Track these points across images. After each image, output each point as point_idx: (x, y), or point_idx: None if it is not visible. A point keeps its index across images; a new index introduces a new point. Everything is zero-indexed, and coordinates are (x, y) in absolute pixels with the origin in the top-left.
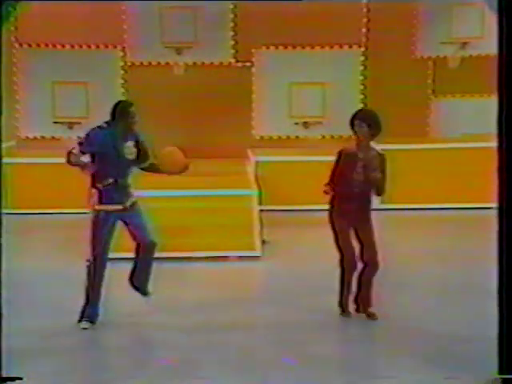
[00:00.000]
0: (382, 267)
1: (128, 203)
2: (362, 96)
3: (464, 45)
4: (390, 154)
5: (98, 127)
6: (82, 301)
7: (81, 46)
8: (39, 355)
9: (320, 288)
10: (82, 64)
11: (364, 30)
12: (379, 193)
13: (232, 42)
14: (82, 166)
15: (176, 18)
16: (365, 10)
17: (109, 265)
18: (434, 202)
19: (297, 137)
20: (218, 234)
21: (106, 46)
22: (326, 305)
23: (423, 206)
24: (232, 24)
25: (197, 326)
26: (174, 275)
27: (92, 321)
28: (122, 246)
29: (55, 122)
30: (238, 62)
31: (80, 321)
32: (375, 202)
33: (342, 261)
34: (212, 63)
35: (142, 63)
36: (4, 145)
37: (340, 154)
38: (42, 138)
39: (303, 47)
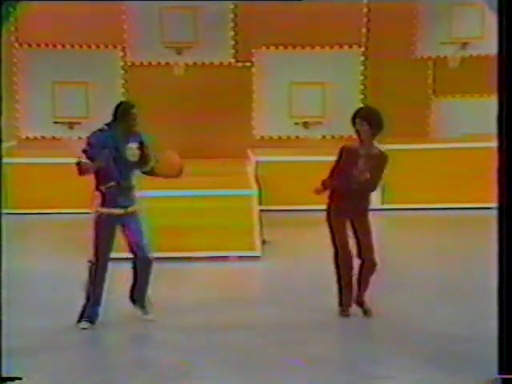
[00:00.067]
0: (382, 267)
1: (130, 209)
2: (361, 96)
3: (464, 45)
4: (390, 153)
5: (99, 130)
6: (82, 301)
7: (81, 46)
8: (39, 355)
9: (320, 288)
10: (82, 64)
11: (364, 30)
12: (369, 191)
13: (232, 42)
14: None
15: (176, 18)
16: (365, 9)
17: (109, 265)
18: (435, 202)
19: (297, 137)
20: (218, 234)
21: (106, 46)
22: (325, 305)
23: (423, 206)
24: (232, 24)
25: (197, 325)
26: (174, 275)
27: (92, 321)
28: (122, 246)
29: (55, 122)
30: (238, 61)
31: (79, 321)
32: (375, 202)
33: (336, 258)
34: (212, 63)
35: (142, 63)
36: (4, 145)
37: (342, 151)
38: (43, 138)
39: (303, 47)
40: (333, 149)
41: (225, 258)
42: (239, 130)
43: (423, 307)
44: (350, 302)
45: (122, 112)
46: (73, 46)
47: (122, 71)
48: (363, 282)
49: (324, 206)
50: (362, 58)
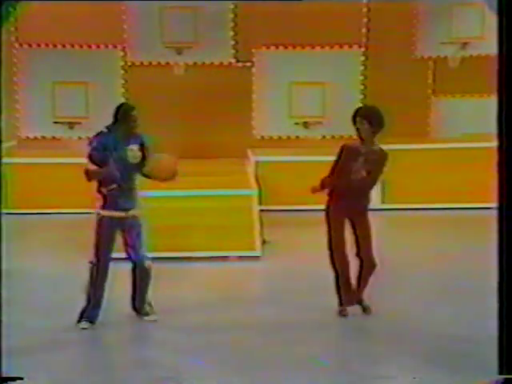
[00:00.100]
0: (382, 267)
1: (131, 212)
2: (361, 96)
3: (464, 45)
4: (390, 153)
5: (100, 133)
6: (82, 301)
7: (81, 46)
8: (39, 355)
9: (320, 288)
10: (82, 64)
11: (364, 30)
12: (368, 188)
13: (232, 42)
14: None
15: (176, 18)
16: (365, 9)
17: (110, 265)
18: (435, 202)
19: (297, 137)
20: (218, 234)
21: (106, 46)
22: (325, 304)
23: (423, 206)
24: (232, 24)
25: (197, 325)
26: (174, 275)
27: (91, 321)
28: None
29: (55, 122)
30: (238, 61)
31: (79, 321)
32: (375, 201)
33: (332, 257)
34: (212, 63)
35: (142, 63)
36: (4, 145)
37: (342, 149)
38: (43, 137)
39: (303, 47)
40: (333, 149)
41: (225, 257)
42: (239, 130)
43: (423, 307)
44: (348, 301)
45: (123, 114)
46: (73, 46)
47: (122, 71)
48: (362, 281)
49: (324, 206)
50: (362, 58)
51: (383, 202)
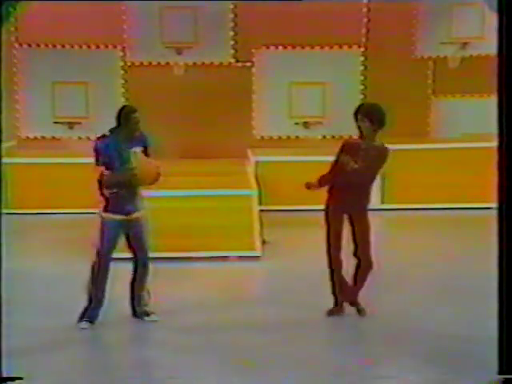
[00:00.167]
0: (382, 267)
1: (133, 215)
2: (361, 96)
3: (464, 45)
4: (390, 154)
5: (102, 136)
6: (82, 301)
7: (81, 46)
8: (39, 355)
9: (320, 288)
10: (82, 64)
11: (364, 30)
12: (367, 184)
13: (232, 42)
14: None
15: (176, 18)
16: (365, 9)
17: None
18: (435, 202)
19: (297, 137)
20: (218, 234)
21: (106, 46)
22: (325, 305)
23: (423, 206)
24: (232, 24)
25: (197, 325)
26: (174, 275)
27: (91, 321)
28: (122, 246)
29: (55, 122)
30: (238, 62)
31: (80, 321)
32: (375, 201)
33: (329, 256)
34: (212, 63)
35: (142, 63)
36: (4, 145)
37: (343, 145)
38: (43, 137)
39: (303, 47)
40: (333, 149)
41: (225, 257)
42: (239, 130)
43: (423, 307)
44: (341, 300)
45: (125, 116)
46: (73, 46)
47: (122, 71)
48: (358, 282)
49: (323, 206)
50: (362, 58)
51: (383, 202)
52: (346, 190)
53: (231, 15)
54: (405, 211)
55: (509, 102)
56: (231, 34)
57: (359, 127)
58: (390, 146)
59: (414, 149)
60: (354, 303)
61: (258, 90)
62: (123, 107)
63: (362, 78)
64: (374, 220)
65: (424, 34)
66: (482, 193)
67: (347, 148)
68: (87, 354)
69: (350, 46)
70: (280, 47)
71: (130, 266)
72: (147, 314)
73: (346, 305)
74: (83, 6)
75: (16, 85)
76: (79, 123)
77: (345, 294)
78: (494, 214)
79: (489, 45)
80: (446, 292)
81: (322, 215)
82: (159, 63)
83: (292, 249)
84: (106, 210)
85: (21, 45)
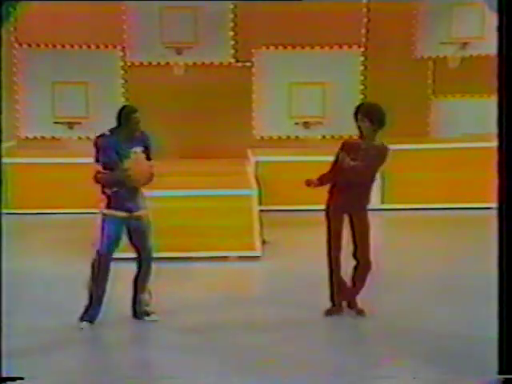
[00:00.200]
0: (382, 267)
1: (135, 213)
2: (361, 96)
3: (464, 45)
4: (390, 154)
5: (102, 135)
6: (82, 301)
7: (81, 46)
8: (39, 355)
9: (320, 288)
10: (82, 64)
11: (364, 30)
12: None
13: (232, 42)
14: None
15: (176, 18)
16: (365, 10)
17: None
18: (434, 202)
19: (297, 137)
20: (218, 234)
21: (106, 46)
22: (325, 305)
23: (423, 206)
24: (232, 24)
25: (197, 325)
26: (174, 275)
27: (91, 321)
28: (122, 246)
29: (55, 122)
30: (237, 62)
31: (81, 320)
32: (375, 201)
33: (329, 255)
34: (212, 63)
35: (141, 63)
36: (4, 145)
37: (343, 145)
38: (42, 138)
39: (303, 47)
40: (333, 149)
41: (225, 258)
42: (239, 130)
43: (423, 307)
44: (339, 300)
45: (125, 116)
46: (73, 46)
47: (122, 71)
48: (358, 282)
49: (324, 206)
50: (362, 58)
51: (383, 202)
52: (346, 189)
53: (231, 15)
54: (405, 211)
55: (509, 101)
56: (231, 34)
57: (359, 127)
58: (390, 146)
59: (414, 149)
60: (351, 304)
61: (258, 90)
62: (123, 107)
63: (361, 77)
64: (373, 220)
65: (424, 34)
66: (482, 193)
67: (347, 148)
68: (87, 354)
69: (350, 46)
70: (280, 47)
71: (130, 266)
72: (147, 314)
73: (344, 304)
74: (83, 6)
75: (16, 85)
76: (79, 123)
77: (343, 294)
78: (494, 214)
79: (489, 45)
80: (446, 292)
81: (322, 215)
82: (159, 63)
83: (292, 249)
84: (108, 206)
85: (21, 45)
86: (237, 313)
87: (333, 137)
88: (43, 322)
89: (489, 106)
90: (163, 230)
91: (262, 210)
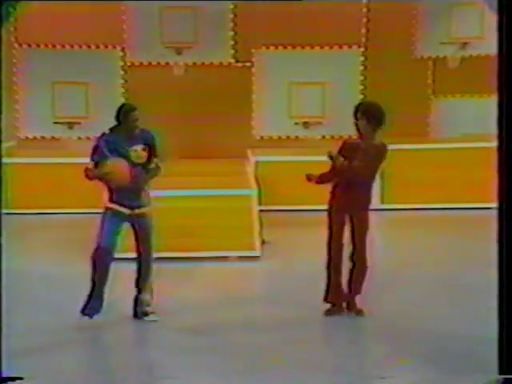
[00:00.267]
0: (382, 267)
1: (137, 210)
2: (361, 96)
3: (464, 45)
4: (390, 153)
5: (102, 134)
6: (82, 301)
7: (81, 46)
8: (39, 355)
9: (320, 288)
10: (82, 64)
11: (364, 30)
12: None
13: (232, 42)
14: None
15: (176, 18)
16: (365, 10)
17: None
18: (434, 202)
19: (297, 137)
20: (218, 234)
21: (106, 46)
22: (325, 305)
23: (423, 206)
24: (232, 24)
25: (197, 325)
26: (173, 275)
27: (92, 313)
28: (124, 246)
29: (55, 122)
30: (237, 62)
31: (83, 311)
32: (375, 201)
33: (329, 255)
34: (212, 63)
35: (141, 63)
36: (4, 145)
37: (343, 145)
38: (42, 138)
39: (303, 47)
40: (333, 149)
41: (225, 257)
42: (239, 130)
43: (423, 307)
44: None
45: (124, 114)
46: (73, 46)
47: (122, 71)
48: (354, 284)
49: (324, 206)
50: (362, 58)
51: (383, 202)
52: (347, 189)
53: (231, 15)
54: (405, 211)
55: (509, 101)
56: (231, 34)
57: (357, 125)
58: (390, 146)
59: (414, 149)
60: (350, 305)
61: (258, 90)
62: (122, 105)
63: (361, 78)
64: (373, 220)
65: (424, 34)
66: (482, 193)
67: (347, 148)
68: (87, 354)
69: (350, 46)
70: (280, 47)
71: (131, 267)
72: (147, 314)
73: (344, 305)
74: (83, 6)
75: (16, 85)
76: (79, 123)
77: (340, 295)
78: (494, 214)
79: (489, 45)
80: (446, 292)
81: (322, 215)
82: (159, 63)
83: (292, 249)
84: (111, 200)
85: (21, 45)
86: (237, 313)
87: (333, 137)
88: (43, 322)
89: (489, 106)
90: (163, 230)
91: (261, 210)
